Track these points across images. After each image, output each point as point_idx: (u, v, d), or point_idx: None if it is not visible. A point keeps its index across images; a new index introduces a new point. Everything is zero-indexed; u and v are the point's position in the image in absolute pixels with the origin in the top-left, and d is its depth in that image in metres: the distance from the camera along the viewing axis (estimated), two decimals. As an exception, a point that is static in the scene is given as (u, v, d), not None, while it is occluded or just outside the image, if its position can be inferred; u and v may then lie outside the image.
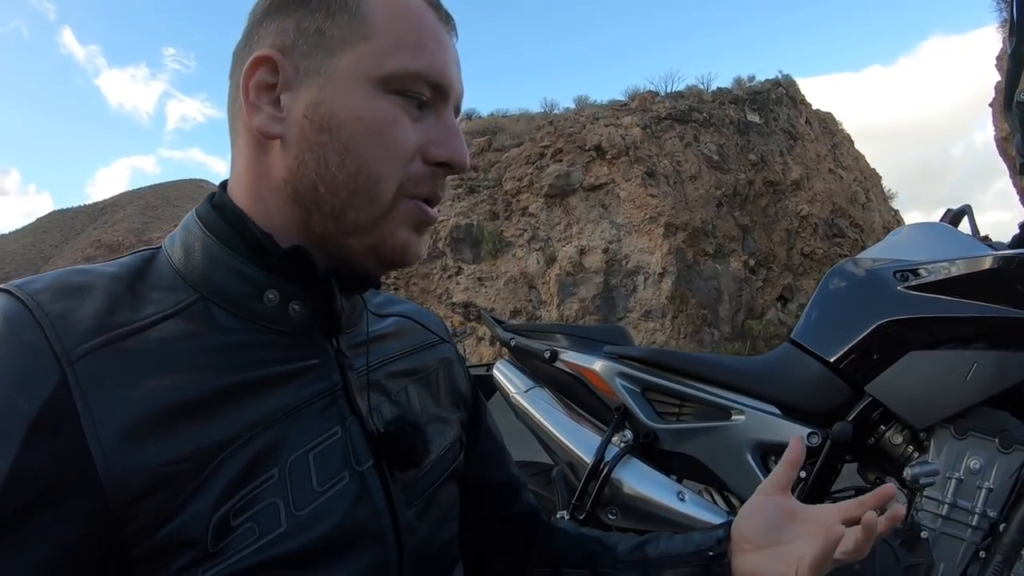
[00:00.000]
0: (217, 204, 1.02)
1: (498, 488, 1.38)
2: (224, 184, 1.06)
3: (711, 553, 1.18)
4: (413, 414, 1.12)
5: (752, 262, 19.78)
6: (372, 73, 0.95)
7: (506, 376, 2.79)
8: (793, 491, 2.25)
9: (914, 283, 2.27)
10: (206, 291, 0.94)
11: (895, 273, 2.32)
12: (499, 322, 2.98)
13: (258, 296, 0.95)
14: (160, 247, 1.02)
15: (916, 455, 2.25)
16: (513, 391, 2.73)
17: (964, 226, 2.65)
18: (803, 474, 2.31)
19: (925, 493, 2.17)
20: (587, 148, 19.85)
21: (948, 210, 2.73)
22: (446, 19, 1.05)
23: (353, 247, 1.00)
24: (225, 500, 0.83)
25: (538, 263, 18.75)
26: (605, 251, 18.69)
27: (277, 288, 0.96)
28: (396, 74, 0.95)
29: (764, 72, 26.76)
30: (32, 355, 0.80)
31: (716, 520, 2.31)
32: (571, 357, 2.66)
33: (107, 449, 0.78)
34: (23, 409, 0.77)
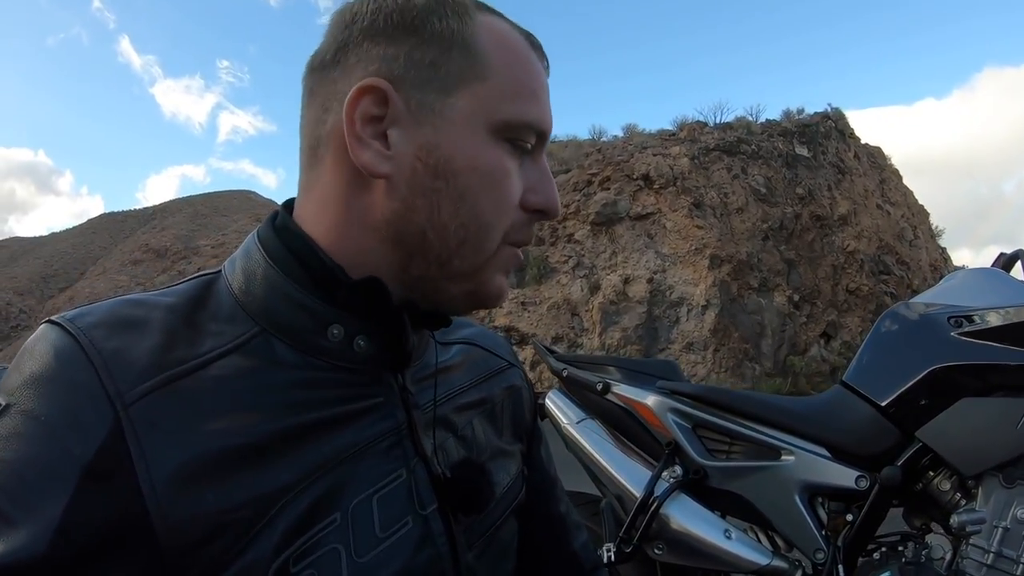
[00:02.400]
0: (280, 227, 0.97)
1: (544, 522, 1.32)
2: (289, 205, 1.02)
3: None
4: (478, 450, 1.09)
5: (796, 297, 19.59)
6: (489, 118, 0.91)
7: (558, 406, 2.82)
8: (839, 534, 2.28)
9: (967, 329, 2.28)
10: (267, 324, 0.91)
11: (948, 319, 2.33)
12: (551, 351, 3.00)
13: (322, 331, 0.91)
14: (219, 271, 0.99)
15: (963, 502, 2.26)
16: (565, 422, 2.75)
17: (1017, 270, 2.65)
18: (849, 517, 2.32)
19: (971, 541, 2.18)
20: (635, 177, 19.80)
21: (1001, 254, 2.73)
22: (540, 54, 1.00)
23: (451, 291, 0.97)
24: (285, 546, 0.80)
25: (582, 290, 18.71)
26: (649, 281, 18.61)
27: (342, 323, 0.92)
28: (512, 122, 0.92)
29: (813, 105, 26.48)
30: (84, 397, 0.77)
31: (760, 559, 2.32)
32: (623, 390, 2.67)
33: (162, 497, 0.76)
34: (76, 455, 0.74)
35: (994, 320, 2.27)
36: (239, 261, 0.97)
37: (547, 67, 1.01)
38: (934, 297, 2.58)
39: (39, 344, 0.82)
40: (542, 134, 0.96)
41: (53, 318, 0.85)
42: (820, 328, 19.83)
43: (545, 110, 0.96)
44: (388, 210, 0.92)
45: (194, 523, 0.76)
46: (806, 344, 19.44)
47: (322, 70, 0.95)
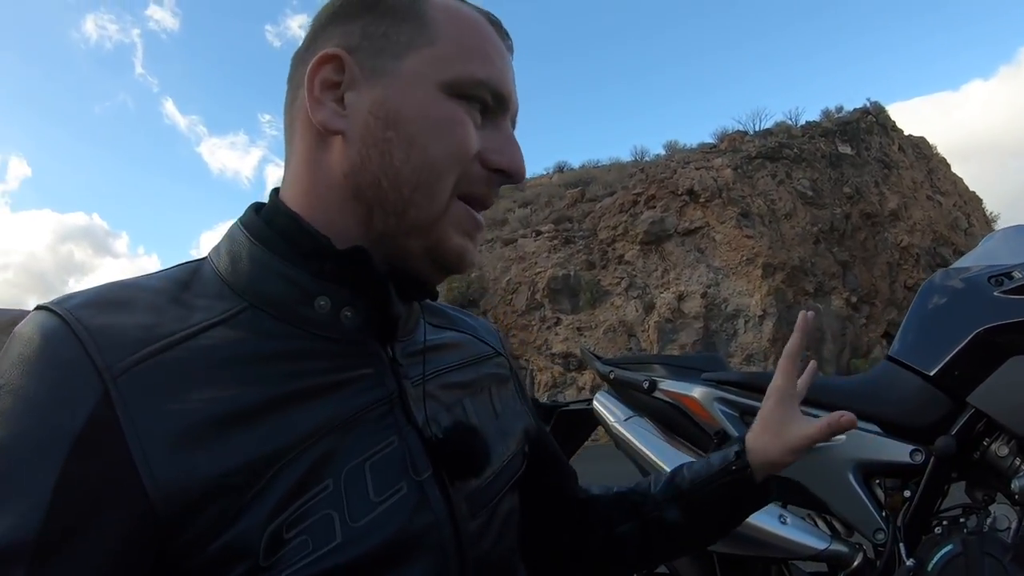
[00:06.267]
0: (268, 210, 1.01)
1: (573, 500, 1.38)
2: (276, 191, 1.05)
3: (734, 467, 1.27)
4: (470, 423, 1.09)
5: (854, 299, 19.36)
6: (438, 76, 0.96)
7: (606, 406, 2.80)
8: (898, 513, 2.23)
9: (1009, 287, 2.21)
10: (254, 299, 0.93)
11: (989, 279, 2.28)
12: (597, 356, 3.00)
13: (308, 302, 0.94)
14: (205, 258, 1.02)
15: (1023, 466, 2.20)
16: (612, 420, 2.74)
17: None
18: (907, 493, 2.25)
19: (1035, 506, 2.12)
20: (679, 193, 19.77)
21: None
22: (504, 35, 1.07)
23: (412, 248, 0.99)
24: (279, 512, 0.82)
25: (637, 311, 18.64)
26: (703, 295, 18.51)
27: (328, 294, 0.94)
28: (462, 79, 0.96)
29: (854, 101, 26.20)
30: (72, 372, 0.78)
31: (818, 544, 2.28)
32: (669, 385, 2.65)
33: (154, 463, 0.77)
34: (65, 428, 0.75)
35: None
36: (223, 246, 1.00)
37: (510, 44, 1.08)
38: (973, 260, 2.54)
39: (27, 326, 0.84)
40: (499, 96, 1.00)
41: (41, 303, 0.86)
42: (881, 328, 19.58)
43: (499, 73, 1.01)
44: (346, 164, 0.96)
45: (187, 487, 0.78)
46: (868, 345, 19.21)
47: (298, 58, 1.03)
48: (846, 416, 1.23)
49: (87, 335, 0.80)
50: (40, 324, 0.82)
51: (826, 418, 1.26)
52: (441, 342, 1.17)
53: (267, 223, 0.99)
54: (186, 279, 0.95)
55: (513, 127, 1.07)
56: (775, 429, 1.30)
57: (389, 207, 0.96)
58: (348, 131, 0.96)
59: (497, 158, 1.00)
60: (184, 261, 1.02)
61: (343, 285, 0.96)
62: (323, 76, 0.97)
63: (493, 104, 1.00)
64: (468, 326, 1.31)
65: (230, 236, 1.01)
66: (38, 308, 0.86)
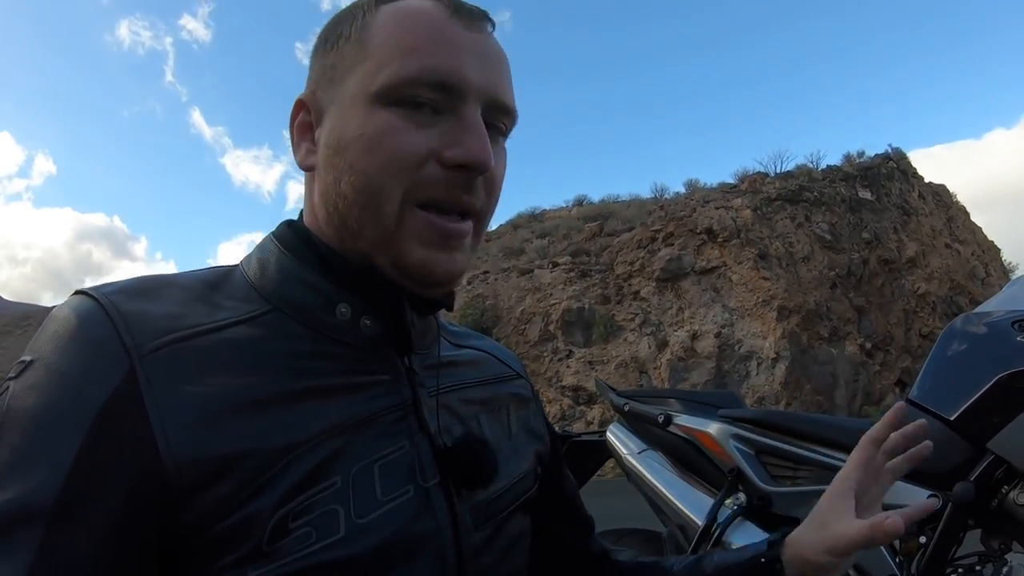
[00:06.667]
0: (299, 225, 1.08)
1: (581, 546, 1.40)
2: (302, 212, 1.12)
3: (763, 559, 1.24)
4: (482, 436, 1.12)
5: (868, 345, 19.25)
6: (368, 90, 0.96)
7: (619, 438, 2.80)
8: (912, 559, 2.20)
9: None
10: (279, 303, 0.99)
11: (1013, 323, 2.25)
12: (612, 388, 2.99)
13: (330, 309, 0.99)
14: (237, 265, 1.08)
15: (1042, 516, 2.16)
16: (625, 452, 2.73)
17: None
18: (922, 540, 2.22)
19: (1052, 559, 2.09)
20: (698, 231, 19.76)
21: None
22: (458, 12, 1.01)
23: (382, 264, 1.00)
24: (286, 501, 0.85)
25: (649, 347, 18.58)
26: (717, 335, 18.45)
27: (349, 302, 1.00)
28: (387, 86, 0.95)
29: (875, 147, 26.26)
30: (101, 349, 0.84)
31: None
32: (685, 421, 2.63)
33: (171, 438, 0.81)
34: (91, 398, 0.81)
35: None
36: (254, 254, 1.08)
37: (469, 19, 1.01)
38: (996, 305, 2.51)
39: (64, 308, 0.90)
40: (440, 86, 0.96)
41: (80, 288, 0.92)
42: (895, 376, 19.46)
43: (434, 61, 0.96)
44: (319, 195, 1.03)
45: (201, 463, 0.82)
46: (881, 393, 19.07)
47: None
48: (892, 520, 1.08)
49: (119, 317, 0.86)
50: (76, 306, 0.89)
51: (869, 521, 1.11)
52: (461, 358, 1.22)
53: (296, 235, 1.06)
54: (216, 281, 1.01)
55: (500, 112, 1.05)
56: (820, 522, 1.19)
57: (350, 229, 1.01)
58: (317, 165, 1.04)
59: (451, 153, 0.97)
60: (215, 265, 1.10)
61: (361, 295, 1.02)
62: (300, 121, 1.07)
63: (440, 97, 0.97)
64: (490, 347, 1.35)
65: (261, 246, 1.08)
66: (77, 292, 0.92)
